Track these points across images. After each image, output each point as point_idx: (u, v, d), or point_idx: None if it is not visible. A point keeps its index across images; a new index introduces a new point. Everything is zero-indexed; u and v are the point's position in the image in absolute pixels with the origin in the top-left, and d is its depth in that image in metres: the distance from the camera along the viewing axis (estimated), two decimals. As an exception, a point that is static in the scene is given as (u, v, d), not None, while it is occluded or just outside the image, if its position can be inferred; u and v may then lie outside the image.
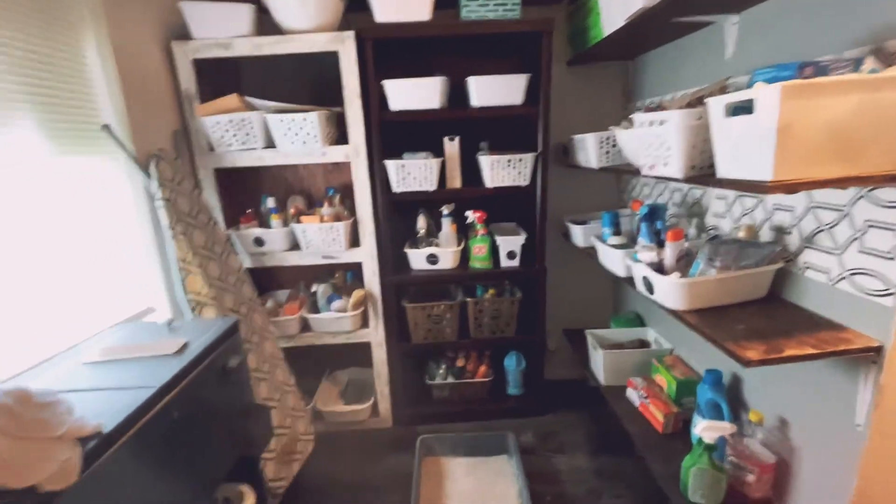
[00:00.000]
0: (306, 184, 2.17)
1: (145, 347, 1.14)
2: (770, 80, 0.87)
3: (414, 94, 1.77)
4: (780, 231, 1.20)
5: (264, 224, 1.96)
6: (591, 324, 2.35)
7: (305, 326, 2.02)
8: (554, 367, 2.47)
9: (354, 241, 1.96)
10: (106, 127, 1.38)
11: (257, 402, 1.63)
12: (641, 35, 1.56)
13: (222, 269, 1.69)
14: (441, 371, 2.19)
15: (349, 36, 1.67)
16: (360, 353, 2.18)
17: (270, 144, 1.81)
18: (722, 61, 1.39)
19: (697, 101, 1.18)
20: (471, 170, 2.00)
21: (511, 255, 1.99)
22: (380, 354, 2.06)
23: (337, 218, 1.90)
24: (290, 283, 2.26)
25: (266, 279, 2.21)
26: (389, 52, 1.89)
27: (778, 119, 0.81)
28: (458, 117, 1.92)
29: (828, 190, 1.04)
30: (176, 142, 1.73)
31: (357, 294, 1.97)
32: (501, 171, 1.89)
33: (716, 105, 0.95)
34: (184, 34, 1.71)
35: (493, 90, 1.78)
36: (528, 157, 1.86)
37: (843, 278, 1.02)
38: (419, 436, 1.91)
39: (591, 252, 1.80)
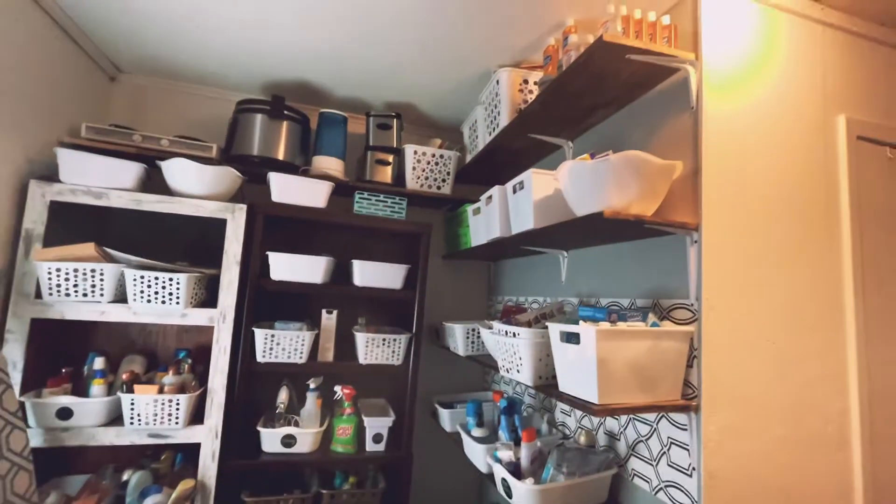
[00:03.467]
0: (154, 341, 1.91)
1: None
2: (589, 319, 1.11)
3: (299, 268, 1.82)
4: (612, 436, 1.37)
5: (81, 390, 1.61)
6: (455, 517, 2.21)
7: (97, 533, 1.53)
8: (414, 574, 2.16)
9: (197, 416, 1.69)
10: None
11: None
12: (499, 250, 1.91)
13: (-6, 452, 1.28)
14: (276, 591, 1.76)
15: (241, 208, 1.72)
16: (167, 571, 1.67)
17: (121, 298, 1.62)
18: (559, 281, 1.73)
19: (542, 317, 1.42)
20: (346, 343, 1.99)
21: (377, 439, 1.89)
22: (196, 572, 1.60)
23: (182, 388, 1.65)
24: (93, 465, 1.77)
25: (57, 459, 1.70)
26: (281, 223, 1.98)
27: (597, 354, 1.02)
28: (340, 293, 1.98)
29: (640, 405, 1.26)
30: (-10, 285, 1.45)
31: (184, 486, 1.60)
32: (376, 348, 1.91)
33: (554, 331, 1.16)
34: (51, 175, 1.60)
35: (376, 274, 1.92)
36: (403, 338, 1.94)
37: (661, 489, 1.17)
38: None
39: (457, 438, 1.81)
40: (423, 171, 2.07)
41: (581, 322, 1.08)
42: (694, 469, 1.07)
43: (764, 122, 1.20)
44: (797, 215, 1.21)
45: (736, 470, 1.07)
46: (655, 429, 1.21)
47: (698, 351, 1.09)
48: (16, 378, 1.48)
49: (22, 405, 1.44)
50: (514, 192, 1.44)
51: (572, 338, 1.12)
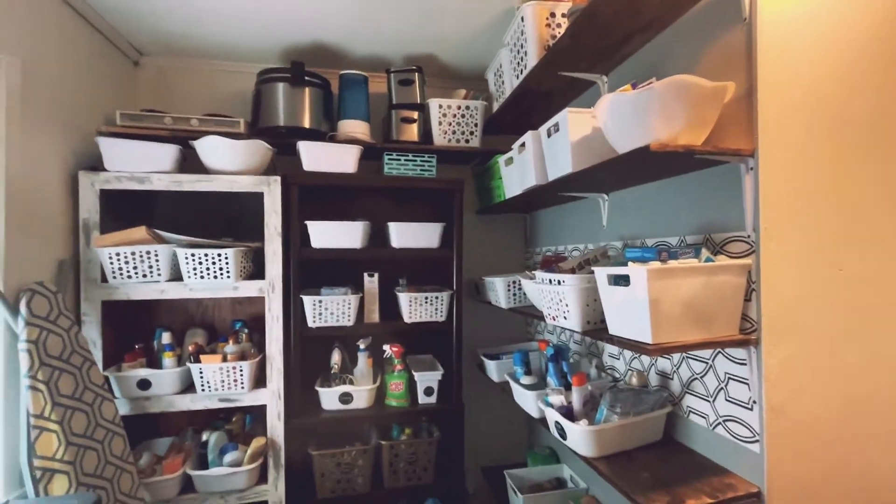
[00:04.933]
0: (210, 315, 2.02)
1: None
2: (637, 260, 1.08)
3: (337, 234, 1.85)
4: (664, 376, 1.36)
5: (154, 363, 1.74)
6: (508, 459, 2.31)
7: (188, 485, 1.70)
8: (473, 513, 2.31)
9: (260, 380, 1.80)
10: (-26, 261, 1.22)
11: None
12: (535, 200, 1.85)
13: (90, 421, 1.43)
14: (349, 531, 1.92)
15: (276, 180, 1.74)
16: (252, 516, 1.85)
17: (176, 277, 1.71)
18: (600, 226, 1.68)
19: (585, 263, 1.39)
20: (389, 303, 2.04)
21: (429, 392, 1.96)
22: (277, 516, 1.77)
23: (242, 356, 1.76)
24: (175, 428, 1.95)
25: (143, 425, 1.88)
26: (315, 193, 2.00)
27: (648, 294, 0.99)
28: (378, 256, 2.01)
29: (694, 344, 1.23)
30: (61, 273, 1.55)
31: (256, 443, 1.74)
32: (419, 307, 1.95)
33: (601, 275, 1.14)
34: (95, 164, 1.66)
35: (412, 235, 1.93)
36: (445, 295, 1.96)
37: (719, 423, 1.16)
38: None
39: (505, 387, 1.85)
40: (450, 124, 2.01)
41: (630, 263, 1.05)
42: (755, 402, 1.05)
43: (828, 23, 1.07)
44: (869, 124, 1.09)
45: (800, 401, 1.04)
46: (711, 366, 1.18)
47: (757, 284, 1.04)
48: (96, 355, 1.62)
49: (106, 379, 1.58)
50: (549, 135, 1.38)
51: (621, 280, 1.09)
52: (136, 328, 1.86)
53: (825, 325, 1.06)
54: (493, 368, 2.00)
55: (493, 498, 2.11)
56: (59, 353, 1.40)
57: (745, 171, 1.04)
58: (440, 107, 1.99)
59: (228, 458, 1.71)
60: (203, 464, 1.71)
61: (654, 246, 1.37)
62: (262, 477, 1.77)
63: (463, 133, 2.04)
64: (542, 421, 1.50)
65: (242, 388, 1.73)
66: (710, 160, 1.06)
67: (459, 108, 2.02)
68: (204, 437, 1.78)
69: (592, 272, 1.18)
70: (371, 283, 1.97)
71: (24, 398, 1.29)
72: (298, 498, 1.82)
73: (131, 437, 1.57)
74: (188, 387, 1.76)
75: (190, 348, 1.75)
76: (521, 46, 1.63)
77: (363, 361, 1.95)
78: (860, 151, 1.09)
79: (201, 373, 1.69)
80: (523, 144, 1.55)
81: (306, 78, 1.90)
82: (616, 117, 1.06)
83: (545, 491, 1.87)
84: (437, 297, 1.96)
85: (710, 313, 1.03)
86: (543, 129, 1.41)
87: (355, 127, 1.93)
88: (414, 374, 1.94)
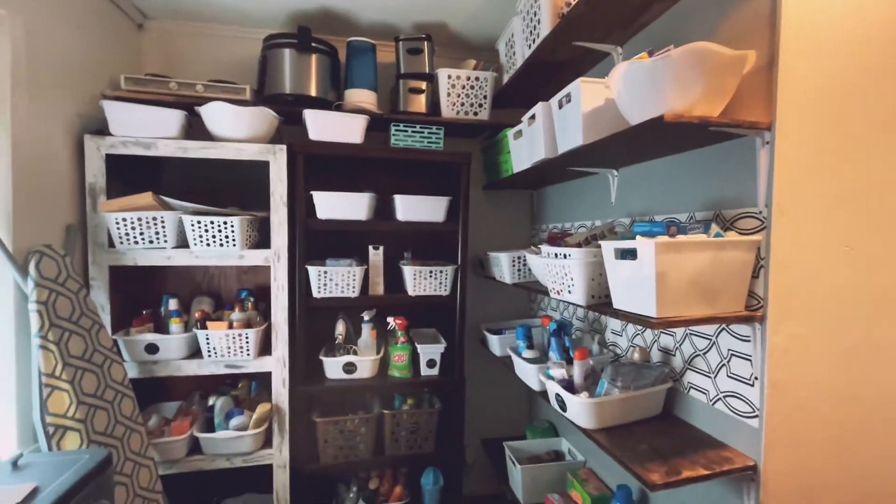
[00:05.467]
0: (217, 283, 2.04)
1: (-24, 499, 0.91)
2: (646, 234, 1.07)
3: (342, 206, 1.84)
4: (667, 352, 1.37)
5: (161, 328, 1.77)
6: (508, 432, 2.36)
7: (195, 447, 1.75)
8: (472, 482, 2.37)
9: (265, 348, 1.83)
10: (-17, 221, 1.22)
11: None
12: (543, 175, 1.83)
13: (100, 381, 1.46)
14: (351, 495, 1.98)
15: (281, 149, 1.73)
16: (257, 477, 1.91)
17: (182, 244, 1.71)
18: (608, 203, 1.66)
19: (592, 238, 1.38)
20: (394, 276, 2.05)
21: (431, 364, 1.99)
22: (282, 478, 1.82)
23: (248, 324, 1.78)
24: (182, 393, 1.99)
25: (152, 389, 1.92)
26: (320, 163, 1.99)
27: (655, 267, 0.98)
28: (384, 229, 2.01)
29: (698, 320, 1.23)
30: (68, 236, 1.56)
31: (262, 409, 1.78)
32: (423, 280, 1.96)
33: (607, 248, 1.13)
34: (101, 128, 1.65)
35: (418, 208, 1.91)
36: (449, 269, 1.96)
37: (719, 399, 1.17)
38: (322, 581, 1.64)
39: (507, 361, 1.87)
40: (459, 96, 1.97)
41: (638, 237, 1.04)
42: (756, 378, 1.05)
43: (856, -4, 1.03)
44: (891, 105, 1.06)
45: (802, 379, 1.05)
46: (714, 342, 1.18)
47: (765, 260, 1.03)
48: (105, 319, 1.64)
49: (115, 342, 1.60)
50: (560, 106, 1.35)
51: (628, 254, 1.08)
52: (143, 294, 1.88)
53: (831, 304, 1.05)
54: (495, 343, 2.02)
55: (492, 469, 2.17)
56: (69, 315, 1.42)
57: (760, 145, 1.02)
58: (449, 77, 1.95)
59: (234, 422, 1.75)
60: (210, 427, 1.75)
61: (662, 221, 1.36)
62: (266, 441, 1.82)
63: (472, 105, 2.00)
64: (543, 394, 1.52)
65: (248, 355, 1.76)
66: (725, 133, 1.04)
67: (469, 79, 1.97)
68: (210, 402, 1.82)
69: (599, 247, 1.17)
70: (376, 255, 1.97)
71: (35, 357, 1.32)
72: (302, 462, 1.87)
73: (140, 400, 1.60)
74: (195, 352, 1.79)
75: (196, 315, 1.77)
76: (535, 14, 1.58)
77: (367, 333, 1.97)
78: (879, 131, 1.06)
79: (207, 339, 1.72)
80: (533, 116, 1.52)
81: (313, 44, 1.86)
82: (630, 86, 1.04)
83: (543, 462, 1.91)
84: (441, 272, 1.96)
85: (717, 289, 1.03)
86: (555, 100, 1.38)
87: (362, 96, 1.90)
88: (417, 346, 1.97)
